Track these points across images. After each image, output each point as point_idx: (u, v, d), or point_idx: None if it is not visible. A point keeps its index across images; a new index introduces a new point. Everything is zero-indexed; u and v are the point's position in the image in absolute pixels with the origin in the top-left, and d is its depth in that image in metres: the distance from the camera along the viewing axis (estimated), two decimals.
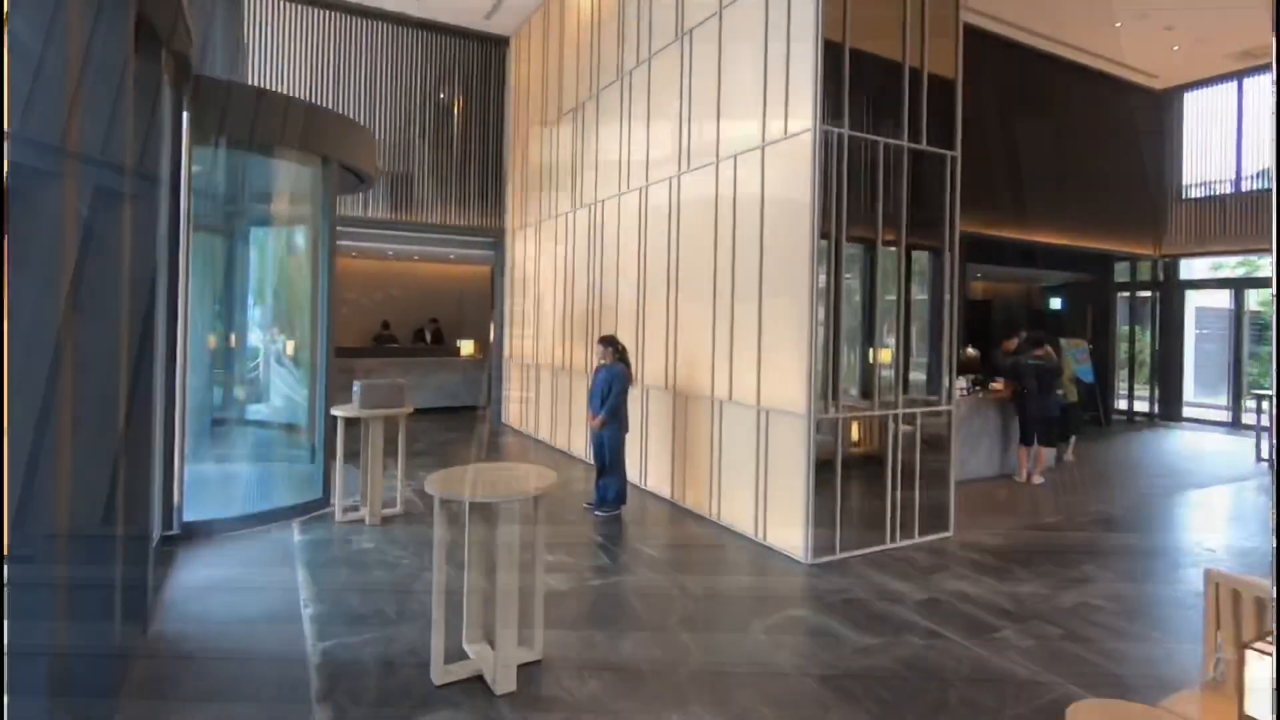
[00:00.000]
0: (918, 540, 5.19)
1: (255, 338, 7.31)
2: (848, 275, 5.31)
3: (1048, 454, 7.47)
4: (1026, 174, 11.12)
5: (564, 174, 8.98)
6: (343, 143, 6.28)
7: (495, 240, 11.33)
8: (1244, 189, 12.18)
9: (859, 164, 5.15)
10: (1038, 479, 7.23)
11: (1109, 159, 12.29)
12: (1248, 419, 11.11)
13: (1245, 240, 11.96)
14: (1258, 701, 2.56)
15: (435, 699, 2.98)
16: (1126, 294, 13.33)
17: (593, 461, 6.06)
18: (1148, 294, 13.21)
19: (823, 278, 4.92)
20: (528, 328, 10.12)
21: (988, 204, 10.59)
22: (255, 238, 7.45)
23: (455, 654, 3.31)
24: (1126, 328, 13.29)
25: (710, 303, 5.86)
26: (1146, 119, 12.89)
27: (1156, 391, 12.82)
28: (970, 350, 9.23)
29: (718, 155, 5.89)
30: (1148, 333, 13.19)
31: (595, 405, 5.87)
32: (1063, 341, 10.86)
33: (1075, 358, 11.23)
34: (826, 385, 4.97)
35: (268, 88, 9.11)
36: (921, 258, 5.67)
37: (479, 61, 11.16)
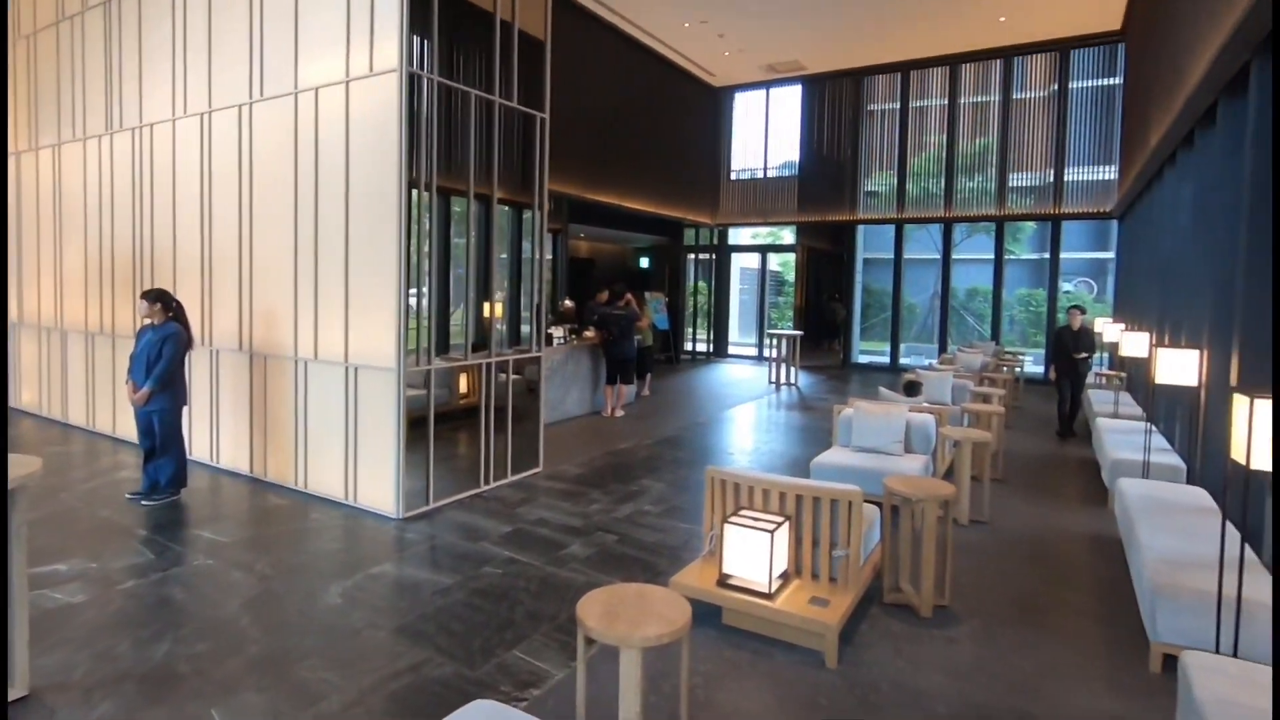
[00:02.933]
0: (510, 479, 5.55)
1: None
2: (471, 231, 5.28)
3: (628, 390, 8.68)
4: (618, 145, 12.49)
5: (94, 85, 7.00)
6: None
7: None
8: (770, 175, 15.62)
9: (452, 115, 5.10)
10: (620, 413, 8.37)
11: (681, 139, 14.51)
12: (767, 353, 14.44)
13: (770, 214, 15.41)
14: (731, 560, 3.37)
15: None
16: (693, 255, 16.13)
17: (140, 443, 5.00)
18: (707, 256, 16.17)
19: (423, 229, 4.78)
20: (46, 281, 7.79)
21: (588, 169, 11.62)
22: None
23: None
24: (693, 283, 16.12)
25: (291, 251, 5.24)
26: (706, 109, 15.53)
27: (712, 334, 15.91)
28: (568, 302, 10.14)
29: (296, 85, 5.22)
30: (708, 287, 16.21)
31: (139, 374, 4.82)
32: (646, 294, 12.62)
33: (655, 308, 13.21)
34: (421, 338, 4.90)
35: None
36: (518, 213, 5.94)
37: None
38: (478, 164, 5.28)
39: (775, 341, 11.81)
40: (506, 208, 5.91)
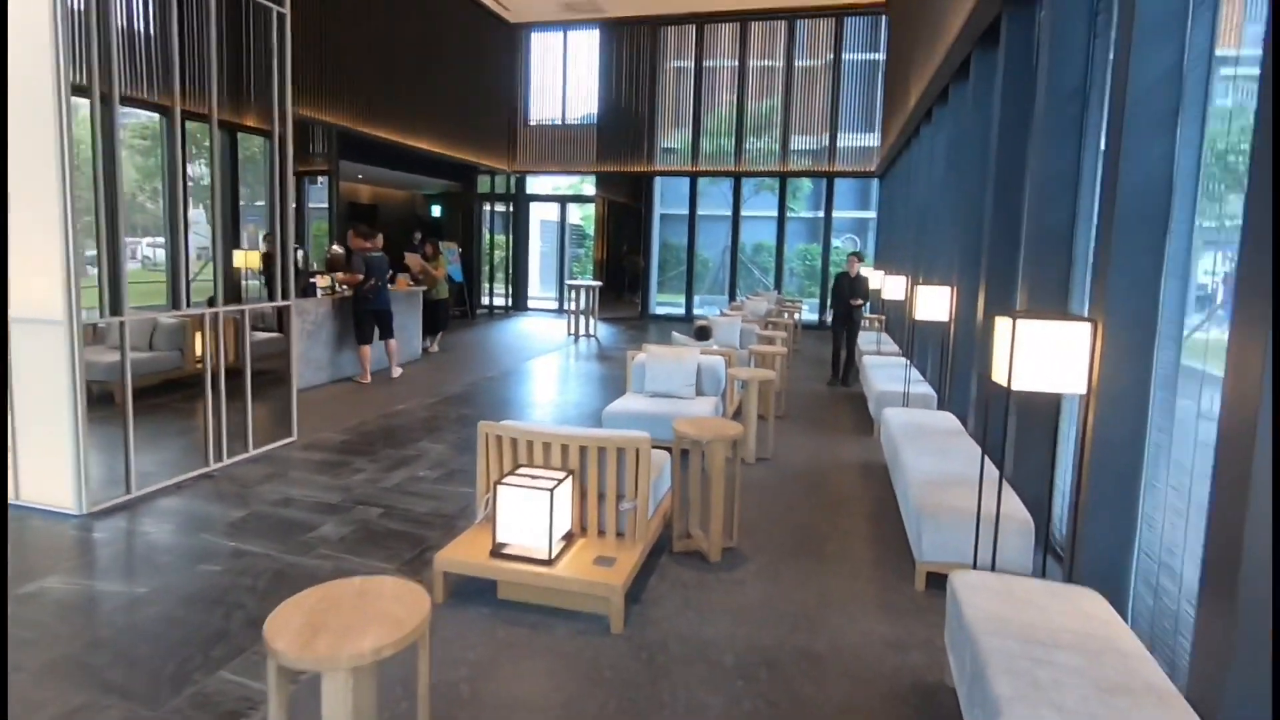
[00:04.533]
0: (253, 453, 4.60)
1: None
2: (164, 153, 4.09)
3: (396, 346, 7.42)
4: (402, 76, 11.10)
5: None
6: None
7: None
8: (569, 123, 15.02)
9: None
10: (397, 371, 7.40)
11: (474, 77, 13.34)
12: (568, 305, 14.05)
13: (569, 163, 14.88)
14: (506, 527, 2.94)
15: None
16: (489, 205, 15.18)
17: None
18: (503, 207, 15.31)
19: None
20: None
21: (363, 100, 10.19)
22: None
23: None
24: (489, 234, 15.21)
25: None
26: (501, 46, 14.43)
27: (510, 287, 15.22)
28: (337, 248, 8.85)
29: None
30: (506, 239, 15.40)
31: None
32: (441, 244, 11.56)
33: (449, 258, 12.20)
34: (107, 285, 3.78)
35: None
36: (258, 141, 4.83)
37: None
38: (188, 70, 4.14)
39: (574, 293, 11.48)
40: (259, 138, 4.79)
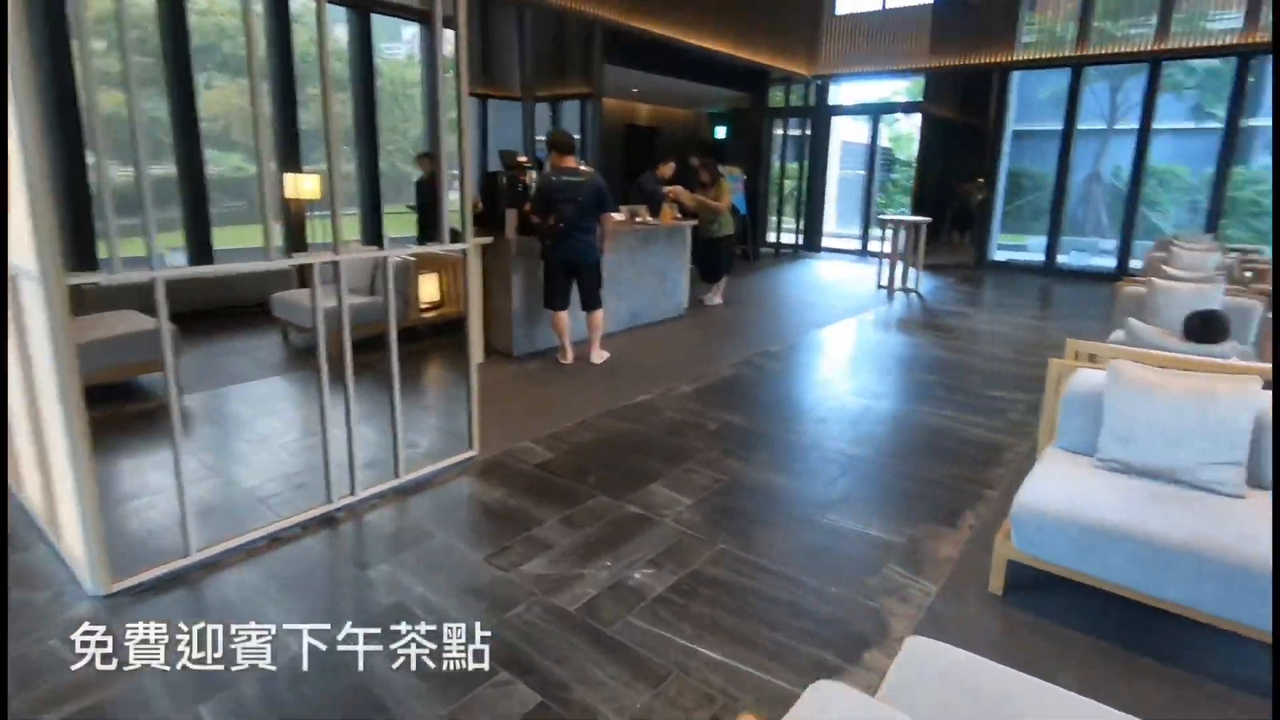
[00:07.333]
0: (402, 480, 2.94)
1: None
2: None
3: (600, 319, 5.02)
4: None
5: None
6: None
7: None
8: (890, 7, 11.61)
9: None
10: (599, 356, 4.99)
11: None
12: (876, 247, 10.92)
13: (891, 61, 11.51)
14: None
15: None
16: (781, 122, 12.55)
17: None
18: (797, 131, 12.54)
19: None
20: None
21: None
22: None
23: None
24: (779, 158, 12.62)
25: None
26: None
27: (803, 223, 12.52)
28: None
29: None
30: (795, 164, 12.69)
31: None
32: (721, 168, 9.44)
33: (733, 186, 10.02)
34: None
35: None
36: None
37: None
38: None
39: (891, 232, 8.49)
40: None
